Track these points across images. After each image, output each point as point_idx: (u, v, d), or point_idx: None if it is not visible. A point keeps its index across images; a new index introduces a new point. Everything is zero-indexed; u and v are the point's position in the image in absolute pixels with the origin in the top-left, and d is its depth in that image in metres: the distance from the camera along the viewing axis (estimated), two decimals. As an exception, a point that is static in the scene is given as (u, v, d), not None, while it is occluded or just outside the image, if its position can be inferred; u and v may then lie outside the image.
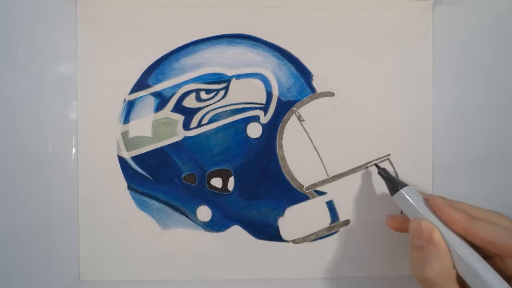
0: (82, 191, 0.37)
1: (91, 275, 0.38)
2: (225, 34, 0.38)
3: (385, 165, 0.38)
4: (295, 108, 0.38)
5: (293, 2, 0.38)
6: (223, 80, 0.37)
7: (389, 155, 0.38)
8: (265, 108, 0.38)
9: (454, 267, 0.28)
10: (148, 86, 0.37)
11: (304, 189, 0.38)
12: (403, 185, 0.32)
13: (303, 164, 0.38)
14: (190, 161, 0.37)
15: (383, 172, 0.35)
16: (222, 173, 0.38)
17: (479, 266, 0.28)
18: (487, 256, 0.29)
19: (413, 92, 0.38)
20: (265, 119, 0.38)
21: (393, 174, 0.36)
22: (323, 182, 0.38)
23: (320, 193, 0.38)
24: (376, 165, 0.37)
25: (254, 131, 0.38)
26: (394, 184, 0.33)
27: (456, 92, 0.38)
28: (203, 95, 0.37)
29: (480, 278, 0.27)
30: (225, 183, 0.38)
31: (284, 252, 0.38)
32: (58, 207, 0.37)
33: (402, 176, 0.38)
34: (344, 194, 0.38)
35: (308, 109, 0.38)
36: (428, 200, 0.31)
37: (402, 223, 0.34)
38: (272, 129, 0.38)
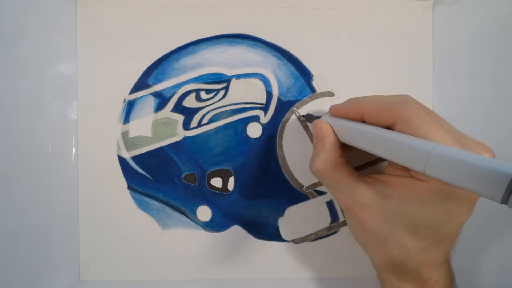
0: (82, 191, 0.37)
1: (91, 275, 0.38)
2: (225, 34, 0.37)
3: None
4: (295, 108, 0.38)
5: (293, 2, 0.38)
6: (223, 80, 0.37)
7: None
8: (265, 108, 0.38)
9: (341, 156, 0.30)
10: (148, 86, 0.37)
11: (304, 189, 0.38)
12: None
13: (303, 164, 0.38)
14: (190, 161, 0.37)
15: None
16: (222, 173, 0.38)
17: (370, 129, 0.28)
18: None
19: (413, 92, 0.38)
20: (265, 119, 0.38)
21: None
22: (323, 182, 0.38)
23: (320, 193, 0.38)
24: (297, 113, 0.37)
25: (254, 131, 0.38)
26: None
27: (456, 92, 0.38)
28: (203, 95, 0.37)
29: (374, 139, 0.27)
30: (225, 183, 0.38)
31: (284, 252, 0.38)
32: (58, 207, 0.37)
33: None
34: (344, 194, 0.38)
35: (308, 109, 0.38)
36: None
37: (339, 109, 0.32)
38: (272, 129, 0.38)
